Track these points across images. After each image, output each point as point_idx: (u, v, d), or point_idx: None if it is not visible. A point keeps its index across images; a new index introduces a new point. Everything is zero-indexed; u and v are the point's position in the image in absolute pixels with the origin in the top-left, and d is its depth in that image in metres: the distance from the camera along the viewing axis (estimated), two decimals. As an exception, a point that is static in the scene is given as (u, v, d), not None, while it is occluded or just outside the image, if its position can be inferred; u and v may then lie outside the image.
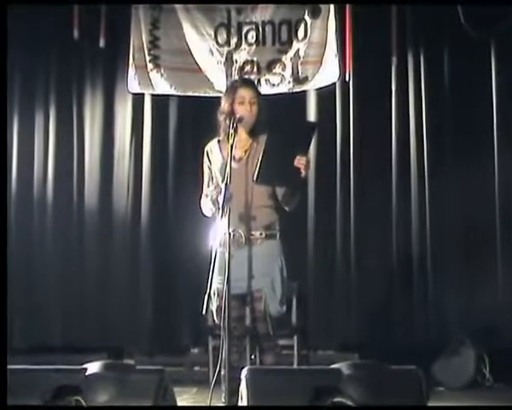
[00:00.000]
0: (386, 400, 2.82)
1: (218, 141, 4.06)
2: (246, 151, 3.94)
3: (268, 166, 3.67)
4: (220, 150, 4.02)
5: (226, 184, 3.62)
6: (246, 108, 3.93)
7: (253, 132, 3.98)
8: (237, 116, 3.86)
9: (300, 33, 6.26)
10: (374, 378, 2.88)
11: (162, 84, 6.42)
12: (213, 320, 3.90)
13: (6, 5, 4.24)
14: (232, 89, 4.07)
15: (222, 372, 3.63)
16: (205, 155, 4.10)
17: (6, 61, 4.48)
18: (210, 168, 4.08)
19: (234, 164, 3.81)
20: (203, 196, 4.10)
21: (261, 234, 3.88)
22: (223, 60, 6.36)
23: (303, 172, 3.71)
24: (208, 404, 3.68)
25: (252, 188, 3.85)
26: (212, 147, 4.09)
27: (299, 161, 3.69)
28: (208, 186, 4.09)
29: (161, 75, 6.40)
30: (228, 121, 3.91)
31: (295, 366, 4.79)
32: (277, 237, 3.96)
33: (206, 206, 4.02)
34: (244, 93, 3.97)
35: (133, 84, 6.45)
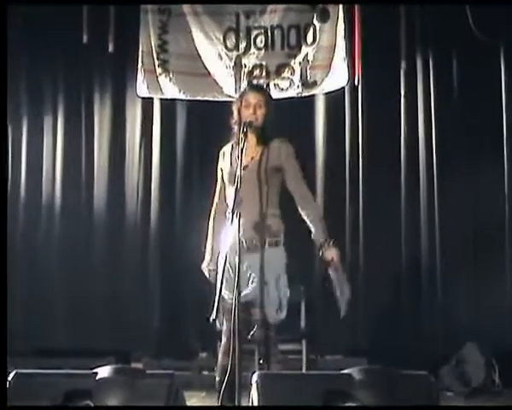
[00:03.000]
0: (397, 405, 2.80)
1: (232, 146, 4.07)
2: (252, 158, 3.93)
3: None
4: (231, 155, 4.03)
5: (236, 188, 3.61)
6: (249, 112, 3.94)
7: (261, 138, 3.98)
8: (247, 121, 3.86)
9: (309, 38, 6.26)
10: (385, 384, 2.87)
11: (171, 89, 6.43)
12: (222, 325, 3.90)
13: (6, 6, 4.27)
14: (241, 94, 4.13)
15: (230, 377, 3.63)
16: (220, 158, 4.13)
17: (6, 63, 4.50)
18: (221, 170, 4.10)
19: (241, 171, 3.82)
20: (213, 206, 4.12)
21: (265, 241, 3.87)
22: (232, 64, 6.37)
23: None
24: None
25: (259, 195, 3.85)
26: (225, 151, 4.11)
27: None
28: (220, 190, 4.10)
29: (170, 79, 6.41)
30: (237, 126, 3.93)
31: (304, 371, 4.79)
32: (282, 244, 3.95)
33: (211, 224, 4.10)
34: (250, 97, 3.99)
35: (142, 88, 6.46)
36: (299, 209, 3.94)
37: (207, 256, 4.12)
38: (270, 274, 3.85)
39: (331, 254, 3.86)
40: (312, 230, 3.88)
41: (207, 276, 4.09)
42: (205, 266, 4.11)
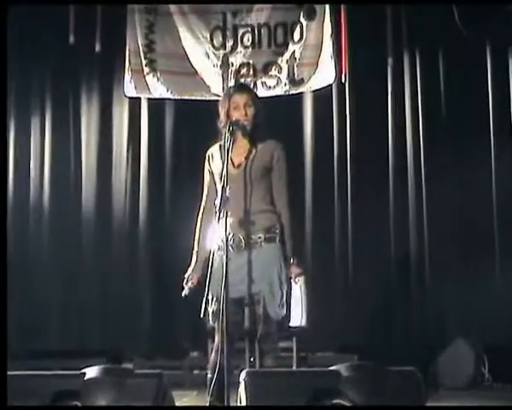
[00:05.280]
0: (385, 401, 2.81)
1: (220, 146, 4.04)
2: (245, 157, 3.92)
3: None
4: (220, 156, 3.99)
5: (223, 187, 3.61)
6: (240, 113, 3.91)
7: (251, 137, 3.95)
8: (233, 120, 3.84)
9: (296, 35, 6.28)
10: (373, 380, 2.87)
11: (159, 88, 6.42)
12: (212, 324, 3.90)
13: (7, 6, 4.24)
14: (227, 95, 4.03)
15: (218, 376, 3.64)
16: (206, 160, 4.07)
17: (6, 64, 4.48)
18: (210, 172, 4.05)
19: (233, 170, 3.81)
20: (201, 209, 4.09)
21: (260, 237, 3.87)
22: (219, 63, 6.37)
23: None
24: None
25: (250, 193, 3.85)
26: (213, 152, 4.05)
27: None
28: (208, 192, 4.07)
29: (158, 79, 6.41)
30: (225, 127, 3.91)
31: (294, 368, 4.79)
32: (277, 241, 3.94)
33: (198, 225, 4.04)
34: (238, 98, 3.94)
35: (129, 88, 6.45)
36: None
37: (191, 266, 4.04)
38: (270, 271, 3.86)
39: (298, 270, 3.92)
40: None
41: (185, 288, 3.99)
42: (187, 277, 4.02)
